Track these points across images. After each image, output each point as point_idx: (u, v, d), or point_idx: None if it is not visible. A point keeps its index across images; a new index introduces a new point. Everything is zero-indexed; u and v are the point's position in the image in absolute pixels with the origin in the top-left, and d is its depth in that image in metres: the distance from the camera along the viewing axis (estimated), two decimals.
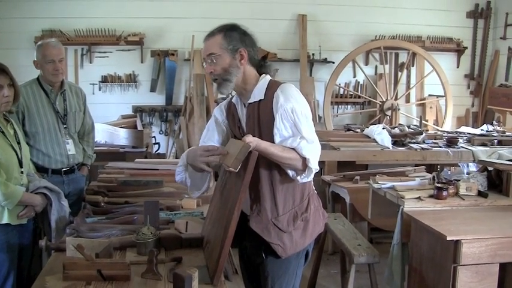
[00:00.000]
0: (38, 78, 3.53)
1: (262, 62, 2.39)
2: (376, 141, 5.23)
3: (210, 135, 2.54)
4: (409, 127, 5.94)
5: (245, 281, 2.69)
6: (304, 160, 2.20)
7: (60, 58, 3.46)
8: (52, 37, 5.24)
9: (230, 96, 2.55)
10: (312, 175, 2.29)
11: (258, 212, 2.32)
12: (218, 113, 2.56)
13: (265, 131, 2.27)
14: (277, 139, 2.23)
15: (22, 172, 2.85)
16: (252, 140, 2.08)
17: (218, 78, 2.31)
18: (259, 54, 2.41)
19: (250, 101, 2.33)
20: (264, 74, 2.37)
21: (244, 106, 2.39)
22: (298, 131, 2.21)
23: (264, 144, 2.14)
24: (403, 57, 7.31)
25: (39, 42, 3.58)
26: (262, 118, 2.30)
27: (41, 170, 3.41)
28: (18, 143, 2.91)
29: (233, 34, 2.29)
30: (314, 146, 2.23)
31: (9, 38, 6.43)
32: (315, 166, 2.23)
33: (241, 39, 2.30)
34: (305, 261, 2.50)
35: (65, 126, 3.56)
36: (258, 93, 2.31)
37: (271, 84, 2.32)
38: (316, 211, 2.45)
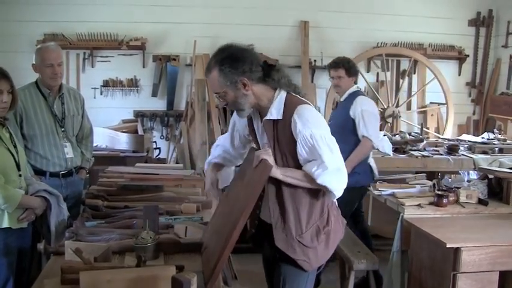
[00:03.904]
0: (36, 82, 3.54)
1: (267, 70, 2.34)
2: (377, 148, 5.23)
3: (229, 147, 2.68)
4: (410, 134, 5.94)
5: (267, 280, 2.74)
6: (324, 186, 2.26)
7: (59, 62, 3.47)
8: (54, 41, 5.25)
9: None
10: (336, 196, 2.33)
11: (282, 230, 2.34)
12: (240, 120, 2.59)
13: (286, 152, 2.31)
14: (301, 162, 2.28)
15: (20, 175, 2.85)
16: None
17: (233, 107, 2.37)
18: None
19: (268, 117, 2.32)
20: (278, 90, 2.34)
21: (260, 119, 2.41)
22: (319, 156, 2.21)
23: (279, 175, 2.25)
24: (405, 65, 7.31)
25: (38, 46, 3.59)
26: (281, 139, 2.31)
27: (38, 172, 3.41)
28: (15, 146, 2.90)
29: (226, 68, 2.23)
30: (333, 172, 2.23)
31: (11, 41, 6.43)
32: (335, 190, 2.27)
33: (235, 69, 2.24)
34: None
35: (62, 129, 3.56)
36: (275, 112, 2.30)
37: (288, 103, 2.30)
38: (336, 222, 2.46)
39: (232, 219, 2.09)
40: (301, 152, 2.24)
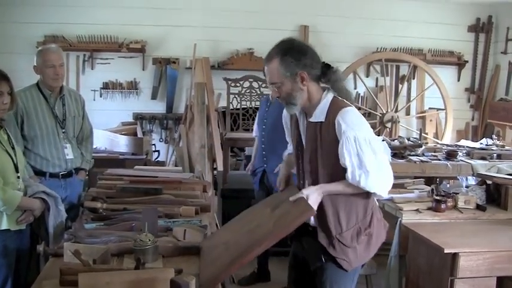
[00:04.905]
0: (37, 83, 3.55)
1: (325, 70, 2.37)
2: None
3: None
4: (408, 139, 5.93)
5: (290, 284, 2.73)
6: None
7: (60, 63, 3.49)
8: (54, 43, 5.26)
9: None
10: (383, 197, 2.39)
11: (322, 228, 2.36)
12: (286, 117, 2.64)
13: (327, 153, 2.32)
14: (342, 164, 2.28)
15: (18, 177, 2.85)
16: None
17: (284, 101, 2.35)
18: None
19: (312, 120, 2.35)
20: (326, 91, 2.37)
21: (306, 121, 2.42)
22: (360, 160, 2.24)
23: (328, 189, 2.29)
24: (404, 70, 7.33)
25: (40, 48, 3.61)
26: (324, 141, 2.32)
27: (38, 173, 3.42)
28: (13, 148, 2.90)
29: (288, 58, 2.27)
30: (376, 176, 2.27)
31: (12, 43, 6.45)
32: (381, 192, 2.32)
33: (298, 60, 2.28)
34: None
35: (63, 130, 3.57)
36: (319, 114, 2.33)
37: (332, 105, 2.32)
38: (379, 224, 2.48)
39: (250, 242, 2.11)
40: (343, 153, 2.25)
